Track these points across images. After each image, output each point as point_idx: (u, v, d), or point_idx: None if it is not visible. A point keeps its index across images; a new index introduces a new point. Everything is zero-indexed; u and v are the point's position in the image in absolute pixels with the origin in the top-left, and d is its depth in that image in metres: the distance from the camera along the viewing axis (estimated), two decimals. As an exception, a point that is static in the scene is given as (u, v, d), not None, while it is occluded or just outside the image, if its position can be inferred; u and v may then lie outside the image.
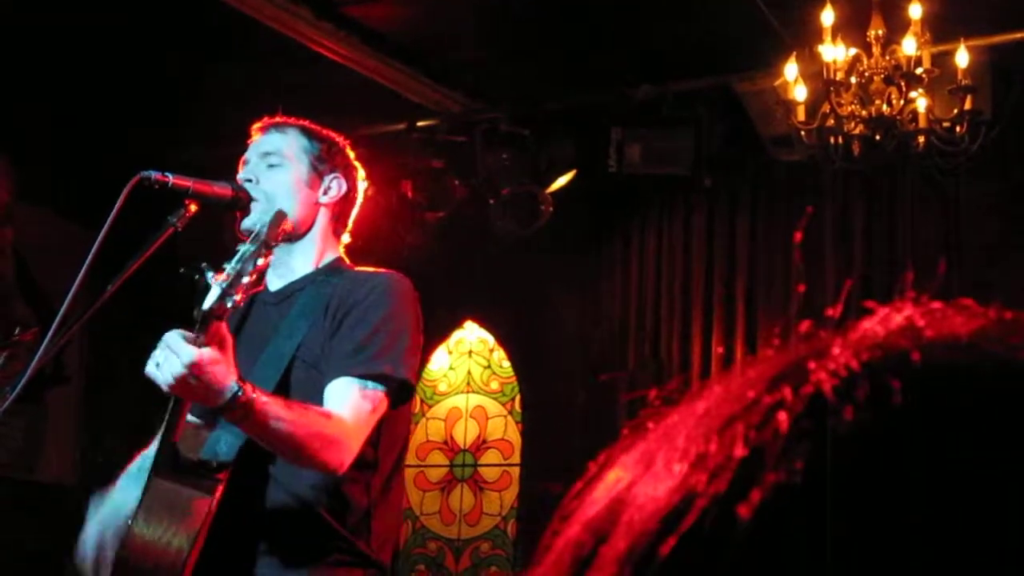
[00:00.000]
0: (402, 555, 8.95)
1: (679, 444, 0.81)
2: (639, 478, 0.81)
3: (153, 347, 4.01)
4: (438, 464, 9.03)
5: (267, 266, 3.21)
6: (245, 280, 3.12)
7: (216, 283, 3.11)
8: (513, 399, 8.93)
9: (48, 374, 8.76)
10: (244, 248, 3.14)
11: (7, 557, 7.71)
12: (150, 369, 3.18)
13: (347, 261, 3.87)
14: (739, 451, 0.77)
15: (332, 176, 3.86)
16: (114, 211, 3.29)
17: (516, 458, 8.78)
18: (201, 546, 3.35)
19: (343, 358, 3.51)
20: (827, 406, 0.77)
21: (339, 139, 3.95)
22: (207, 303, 3.11)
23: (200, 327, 3.14)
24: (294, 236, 3.76)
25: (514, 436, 8.84)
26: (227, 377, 3.18)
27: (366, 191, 7.67)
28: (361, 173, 4.01)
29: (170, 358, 3.12)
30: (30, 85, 7.62)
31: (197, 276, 3.13)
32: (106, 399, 8.40)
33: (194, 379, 3.13)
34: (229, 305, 3.12)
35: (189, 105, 7.68)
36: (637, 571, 0.75)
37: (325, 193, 3.83)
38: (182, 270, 3.17)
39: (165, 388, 3.17)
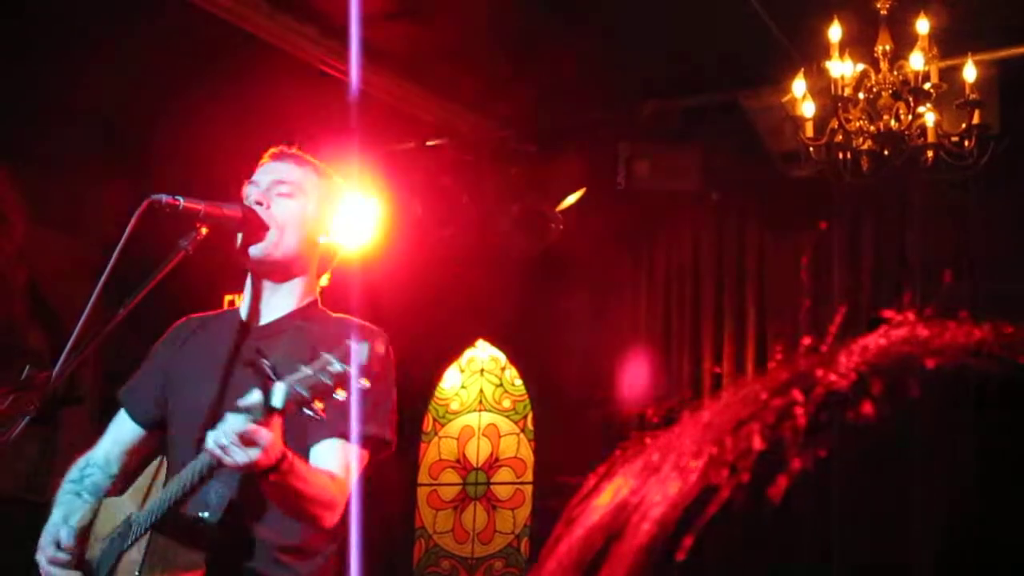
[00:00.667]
0: (416, 574, 8.95)
1: (688, 448, 0.83)
2: (644, 484, 0.84)
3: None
4: (451, 483, 9.03)
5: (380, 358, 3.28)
6: (330, 395, 3.17)
7: (287, 381, 3.16)
8: (525, 417, 8.93)
9: (61, 395, 8.78)
10: (335, 362, 3.17)
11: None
12: (211, 447, 3.22)
13: (320, 303, 3.89)
14: (758, 445, 0.79)
15: (335, 219, 3.88)
16: (126, 234, 3.30)
17: (529, 476, 8.78)
18: None
19: (334, 418, 3.52)
20: (845, 400, 0.79)
21: (345, 181, 3.98)
22: (277, 399, 3.16)
23: (263, 417, 3.19)
24: (288, 272, 3.78)
25: (527, 454, 8.84)
26: (277, 451, 3.26)
27: (377, 209, 7.71)
28: (358, 217, 4.08)
29: (243, 449, 3.19)
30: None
31: (264, 369, 3.17)
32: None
33: (262, 459, 3.21)
34: (308, 412, 3.17)
35: (199, 126, 7.70)
36: (661, 561, 0.78)
37: (326, 235, 3.85)
38: (247, 364, 3.24)
39: (227, 466, 3.24)
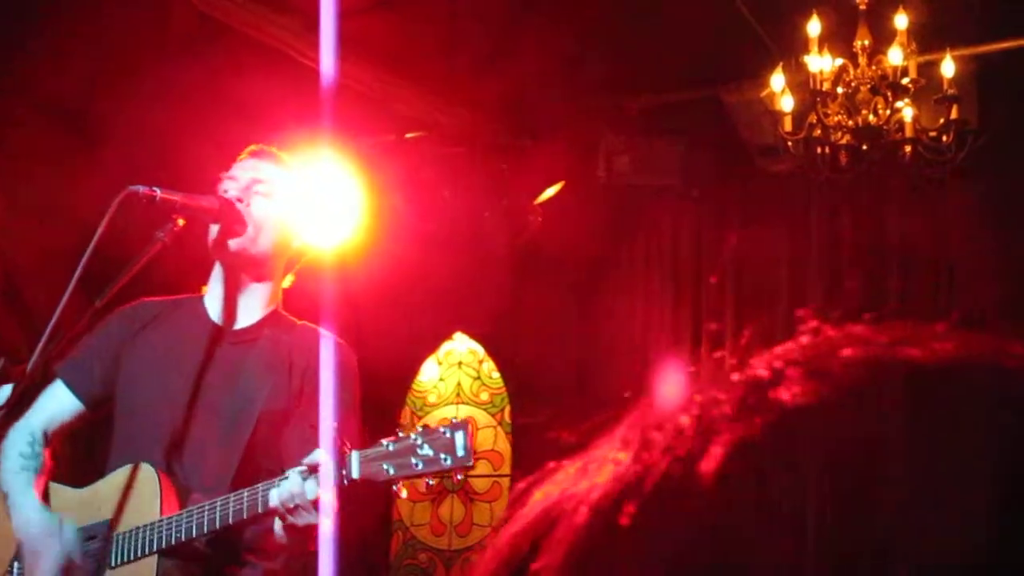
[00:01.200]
0: (393, 566, 8.95)
1: (616, 444, 0.86)
2: (571, 485, 0.86)
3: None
4: (428, 475, 9.01)
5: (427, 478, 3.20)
6: (421, 480, 3.14)
7: (365, 455, 3.13)
8: (503, 410, 8.93)
9: (35, 387, 8.73)
10: (424, 445, 3.11)
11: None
12: (276, 505, 3.23)
13: (281, 309, 3.86)
14: (688, 426, 0.81)
15: (308, 221, 3.87)
16: (103, 225, 3.29)
17: (506, 469, 8.78)
18: None
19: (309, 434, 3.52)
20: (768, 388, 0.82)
21: (321, 183, 3.96)
22: (355, 471, 3.12)
23: (336, 482, 3.16)
24: (259, 272, 3.77)
25: (504, 447, 8.84)
26: None
27: (357, 203, 7.70)
28: (327, 218, 4.05)
29: (313, 511, 3.19)
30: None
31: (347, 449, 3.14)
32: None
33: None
34: (393, 488, 3.15)
35: (175, 117, 7.68)
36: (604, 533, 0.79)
37: (298, 238, 3.84)
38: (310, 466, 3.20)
39: (288, 524, 3.25)
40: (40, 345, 3.21)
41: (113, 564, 3.53)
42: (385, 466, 3.10)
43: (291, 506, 3.17)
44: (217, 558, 3.55)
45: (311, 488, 3.17)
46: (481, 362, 9.07)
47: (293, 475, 3.20)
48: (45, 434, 3.83)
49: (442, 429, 3.07)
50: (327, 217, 4.02)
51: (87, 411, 3.87)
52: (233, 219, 3.67)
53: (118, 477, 3.64)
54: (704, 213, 8.11)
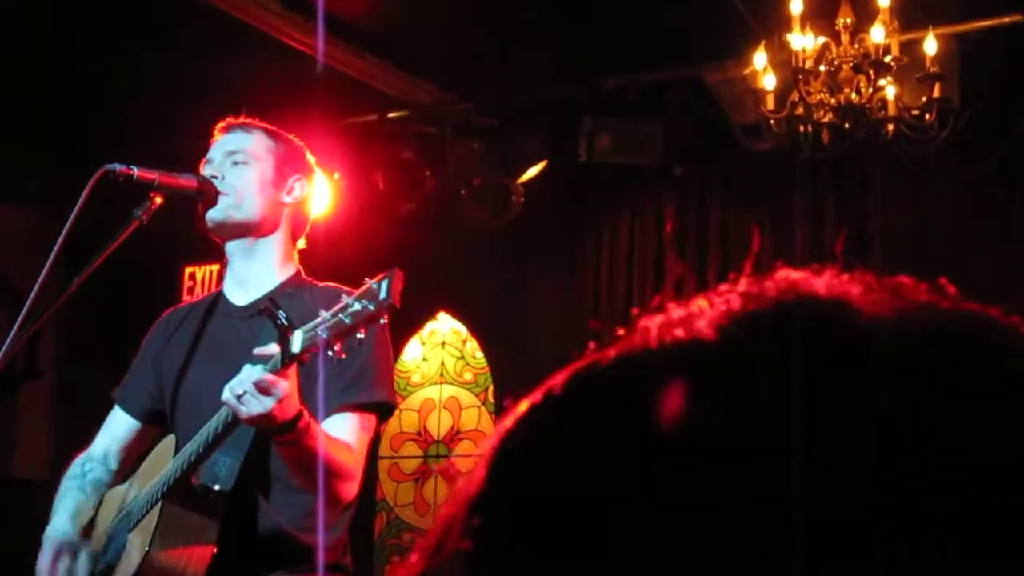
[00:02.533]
0: (376, 546, 8.96)
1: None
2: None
3: (127, 341, 4.03)
4: (412, 455, 9.04)
5: (380, 326, 3.21)
6: (352, 334, 3.12)
7: (305, 329, 3.13)
8: (487, 390, 8.94)
9: (20, 369, 8.74)
10: (354, 302, 3.11)
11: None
12: (228, 397, 3.21)
13: (303, 273, 3.87)
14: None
15: (295, 178, 3.87)
16: (79, 204, 3.28)
17: (490, 448, 8.77)
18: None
19: (341, 390, 3.56)
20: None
21: (301, 143, 3.96)
22: (296, 346, 3.13)
23: (282, 364, 3.18)
24: (257, 234, 3.77)
25: (488, 427, 8.84)
26: (295, 406, 3.26)
27: (338, 182, 7.71)
28: (318, 178, 4.05)
29: (259, 397, 3.18)
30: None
31: (278, 319, 3.13)
32: (80, 393, 8.38)
33: (278, 411, 3.20)
34: (330, 354, 3.13)
35: (154, 100, 7.66)
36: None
37: (289, 194, 3.84)
38: (260, 311, 3.21)
39: (245, 418, 3.21)
40: (17, 324, 3.20)
41: (132, 525, 3.60)
42: (321, 331, 3.11)
43: (239, 392, 3.17)
44: (254, 528, 3.56)
45: (254, 371, 3.19)
46: (465, 342, 9.07)
47: (244, 367, 3.22)
48: (107, 454, 3.90)
49: (370, 283, 3.10)
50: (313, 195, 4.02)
51: (145, 426, 3.95)
52: (213, 194, 3.67)
53: (151, 453, 3.78)
54: (686, 193, 8.10)
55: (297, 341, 3.13)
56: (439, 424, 9.00)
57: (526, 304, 8.45)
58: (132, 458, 3.92)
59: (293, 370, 3.22)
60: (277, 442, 3.33)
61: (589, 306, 8.30)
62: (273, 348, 3.21)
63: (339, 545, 3.74)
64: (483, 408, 8.91)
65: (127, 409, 3.95)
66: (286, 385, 3.18)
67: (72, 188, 3.38)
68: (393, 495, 9.04)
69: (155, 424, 3.90)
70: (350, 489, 3.59)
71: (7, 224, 8.64)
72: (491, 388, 8.90)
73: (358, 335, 3.11)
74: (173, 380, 3.81)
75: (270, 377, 3.17)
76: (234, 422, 3.29)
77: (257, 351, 3.25)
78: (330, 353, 3.12)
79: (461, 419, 8.96)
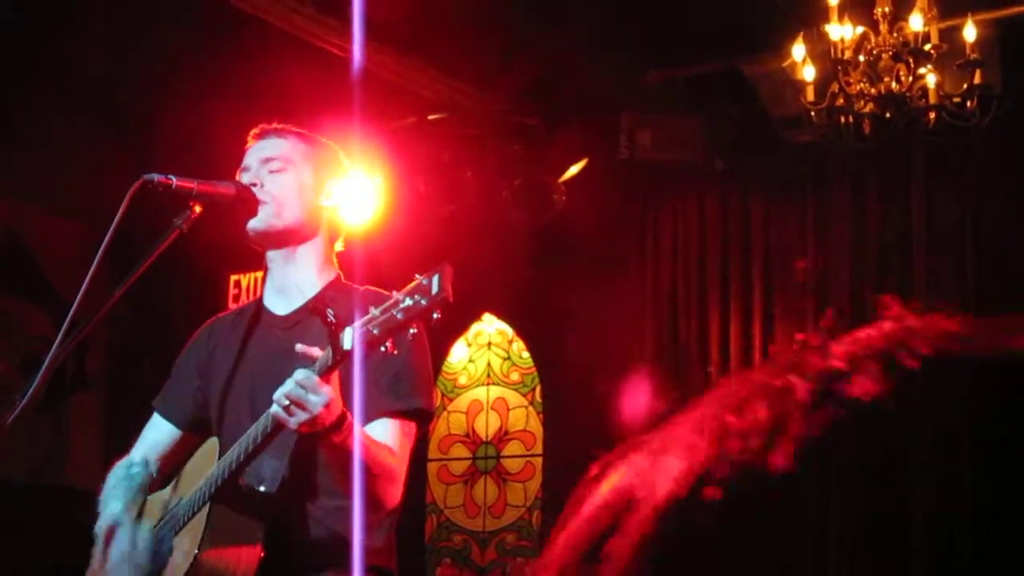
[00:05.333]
0: (428, 549, 8.97)
1: (690, 431, 0.85)
2: (647, 471, 0.85)
3: (174, 349, 4.04)
4: (461, 457, 9.04)
5: (430, 321, 3.13)
6: (405, 330, 3.10)
7: (356, 326, 3.10)
8: (534, 389, 8.93)
9: (68, 382, 8.80)
10: (405, 298, 3.07)
11: (32, 563, 7.74)
12: (276, 411, 3.21)
13: (343, 278, 3.87)
14: (763, 415, 0.81)
15: (333, 181, 3.86)
16: (119, 214, 3.29)
17: (539, 448, 8.78)
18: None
19: (381, 396, 3.55)
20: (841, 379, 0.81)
21: (334, 144, 3.96)
22: (347, 343, 3.10)
23: (333, 362, 3.17)
24: (298, 241, 3.77)
25: (536, 427, 8.84)
26: (338, 408, 3.24)
27: (380, 187, 7.72)
28: (355, 177, 4.03)
29: (310, 400, 3.17)
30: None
31: (327, 317, 3.12)
32: (129, 403, 8.43)
33: (325, 415, 3.19)
34: (382, 348, 3.11)
35: (194, 105, 7.69)
36: (672, 527, 0.80)
37: (327, 198, 3.83)
38: (310, 310, 3.18)
39: (295, 426, 3.21)
40: (60, 334, 3.22)
41: (178, 529, 3.59)
42: (372, 328, 3.08)
43: (285, 404, 3.17)
44: (299, 530, 3.57)
45: (301, 374, 3.18)
46: (511, 342, 9.06)
47: (296, 371, 3.21)
48: (146, 461, 3.88)
49: (420, 279, 3.07)
50: (351, 199, 4.01)
51: (186, 434, 3.95)
52: (252, 202, 3.67)
53: (193, 457, 3.78)
54: (728, 187, 8.07)
55: (348, 339, 3.11)
56: (487, 425, 9.00)
57: (570, 303, 8.43)
58: (171, 466, 3.91)
59: (336, 374, 3.21)
60: (321, 445, 3.32)
61: (634, 303, 8.28)
62: (316, 350, 3.20)
63: (385, 548, 3.73)
64: (531, 408, 8.90)
65: (169, 418, 3.95)
66: (330, 388, 3.18)
67: (117, 197, 3.39)
68: (443, 497, 9.04)
69: (197, 432, 3.88)
70: (394, 493, 3.56)
71: (58, 238, 8.70)
72: (538, 388, 8.89)
73: (410, 331, 3.09)
74: (219, 390, 3.80)
75: (317, 380, 3.16)
76: (278, 427, 3.29)
77: (300, 349, 3.23)
78: (382, 349, 3.09)
79: (509, 420, 8.95)
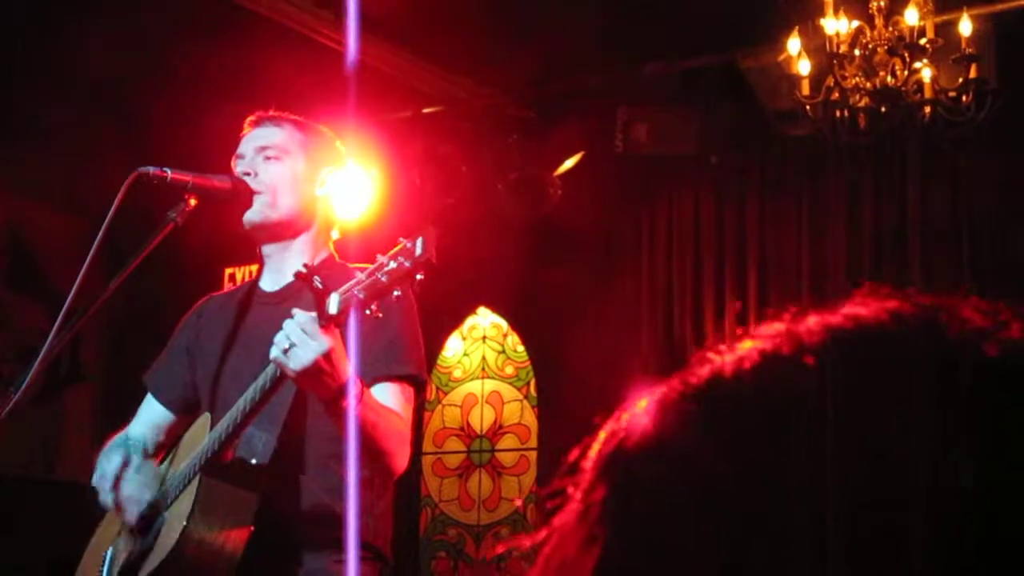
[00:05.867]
0: (422, 543, 8.97)
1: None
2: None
3: (166, 344, 4.03)
4: (455, 451, 9.04)
5: (414, 283, 3.15)
6: (389, 293, 3.09)
7: (341, 291, 3.11)
8: (528, 383, 8.93)
9: (64, 373, 8.80)
10: (389, 261, 3.09)
11: (27, 557, 7.73)
12: (276, 354, 3.19)
13: (337, 258, 3.87)
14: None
15: (328, 169, 3.86)
16: (114, 207, 3.29)
17: (533, 442, 8.78)
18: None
19: (376, 361, 3.54)
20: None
21: (330, 132, 3.95)
22: (333, 307, 3.11)
23: (323, 324, 3.15)
24: (294, 231, 3.77)
25: (531, 420, 8.84)
26: (345, 370, 3.23)
27: (375, 180, 7.71)
28: (349, 166, 4.03)
29: (307, 343, 3.14)
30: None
31: (313, 283, 3.11)
32: (124, 396, 8.42)
33: (327, 365, 3.16)
34: (367, 312, 3.10)
35: (188, 98, 7.69)
36: None
37: (322, 186, 3.83)
38: (296, 275, 3.17)
39: (292, 374, 3.18)
40: (56, 326, 3.22)
41: (169, 502, 3.58)
42: (357, 291, 3.09)
43: (286, 345, 3.15)
44: (292, 503, 3.56)
45: (298, 317, 3.17)
46: (505, 336, 9.06)
47: (284, 324, 3.20)
48: (142, 438, 3.90)
49: (404, 242, 3.08)
50: (346, 192, 4.02)
51: (178, 415, 3.95)
52: (247, 194, 3.67)
53: (186, 433, 3.76)
54: (724, 181, 8.07)
55: (334, 302, 3.11)
56: (482, 419, 9.00)
57: (566, 296, 8.44)
58: (167, 444, 3.91)
59: (337, 334, 3.19)
60: (332, 413, 3.29)
61: (629, 297, 8.29)
62: (307, 314, 3.18)
63: (375, 530, 3.71)
64: (525, 402, 8.90)
65: (159, 397, 3.96)
66: (331, 339, 3.15)
67: (113, 191, 3.39)
68: (438, 491, 9.05)
69: (189, 411, 3.88)
70: (403, 457, 3.54)
71: (54, 232, 8.70)
72: (533, 382, 8.89)
73: (395, 293, 3.08)
74: (211, 367, 3.80)
75: (317, 327, 3.14)
76: (276, 384, 3.27)
77: (293, 312, 3.21)
78: (367, 312, 3.09)
79: (504, 413, 8.95)
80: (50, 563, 7.36)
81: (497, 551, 8.68)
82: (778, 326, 0.89)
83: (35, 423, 8.62)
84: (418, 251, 3.05)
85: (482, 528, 8.86)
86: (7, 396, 3.21)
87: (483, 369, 9.09)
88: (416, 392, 3.70)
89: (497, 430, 8.94)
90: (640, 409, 0.85)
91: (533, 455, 8.74)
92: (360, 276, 3.10)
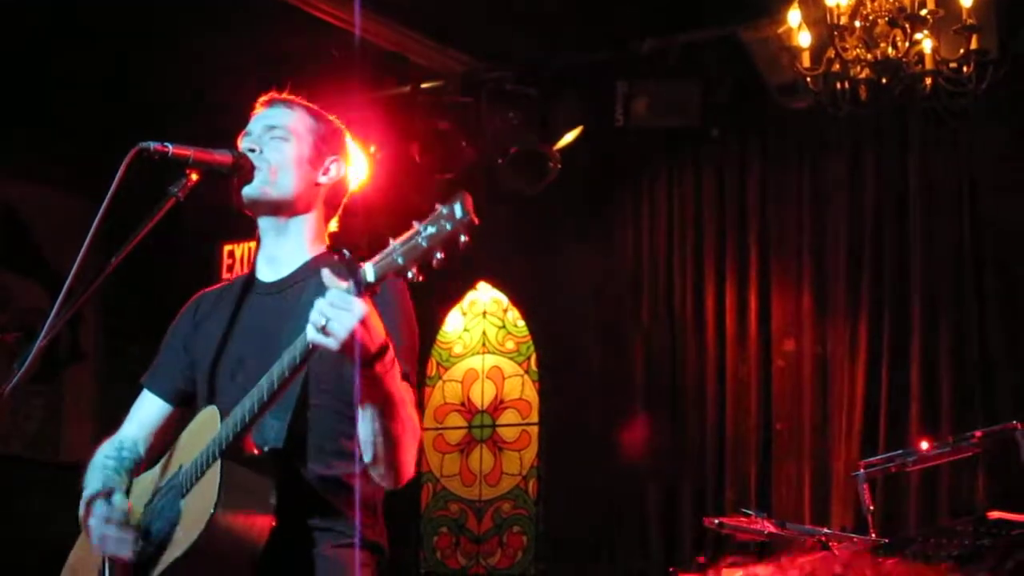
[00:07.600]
0: (424, 518, 8.97)
1: None
2: None
3: (169, 321, 4.02)
4: (456, 426, 9.04)
5: (458, 246, 3.02)
6: (431, 257, 3.02)
7: (376, 260, 3.04)
8: (529, 358, 8.93)
9: (63, 353, 8.79)
10: (426, 227, 2.99)
11: (32, 539, 7.73)
12: (313, 335, 3.13)
13: (333, 251, 3.84)
14: None
15: (332, 158, 3.83)
16: (115, 183, 3.27)
17: (534, 417, 8.78)
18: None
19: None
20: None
21: (341, 124, 3.93)
22: (370, 275, 3.04)
23: (357, 296, 3.08)
24: (290, 213, 3.75)
25: (531, 395, 8.84)
26: (381, 335, 3.18)
27: (375, 154, 7.69)
28: (355, 160, 4.00)
29: (342, 315, 3.08)
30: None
31: (344, 256, 3.06)
32: (124, 375, 8.42)
33: (364, 331, 3.10)
34: (408, 275, 3.04)
35: (188, 75, 7.68)
36: None
37: (325, 174, 3.81)
38: (332, 250, 3.09)
39: (336, 345, 3.11)
40: (56, 305, 3.20)
41: (185, 492, 3.55)
42: (396, 258, 3.02)
43: (322, 323, 3.09)
44: (305, 489, 3.55)
45: (340, 294, 3.10)
46: (506, 311, 9.06)
47: (317, 301, 3.14)
48: (136, 442, 3.87)
49: (441, 208, 3.02)
50: (349, 180, 3.98)
51: (175, 409, 3.92)
52: (249, 169, 3.65)
53: (187, 428, 3.73)
54: (725, 154, 8.06)
55: (370, 271, 3.05)
56: (483, 394, 8.99)
57: (566, 271, 8.43)
58: (160, 444, 3.89)
59: (369, 302, 3.14)
60: (365, 376, 3.24)
61: (629, 271, 8.28)
62: (343, 284, 3.11)
63: (376, 525, 3.70)
64: (526, 377, 8.90)
65: (158, 392, 3.93)
66: (366, 307, 3.09)
67: (113, 169, 3.36)
68: (439, 466, 9.05)
69: (186, 407, 3.87)
70: (414, 456, 3.48)
71: (49, 208, 8.68)
72: (533, 356, 8.89)
73: (436, 255, 3.02)
74: (209, 360, 3.78)
75: (352, 297, 3.07)
76: (289, 378, 3.25)
77: (327, 280, 3.13)
78: (409, 275, 3.05)
79: (504, 388, 8.95)
80: (53, 544, 7.36)
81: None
82: None
83: (37, 405, 8.63)
84: (459, 214, 2.98)
85: (483, 503, 8.86)
86: (9, 375, 3.19)
87: (483, 344, 9.08)
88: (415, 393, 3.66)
89: (498, 405, 8.94)
90: None
91: (534, 430, 8.74)
92: (395, 244, 3.05)
